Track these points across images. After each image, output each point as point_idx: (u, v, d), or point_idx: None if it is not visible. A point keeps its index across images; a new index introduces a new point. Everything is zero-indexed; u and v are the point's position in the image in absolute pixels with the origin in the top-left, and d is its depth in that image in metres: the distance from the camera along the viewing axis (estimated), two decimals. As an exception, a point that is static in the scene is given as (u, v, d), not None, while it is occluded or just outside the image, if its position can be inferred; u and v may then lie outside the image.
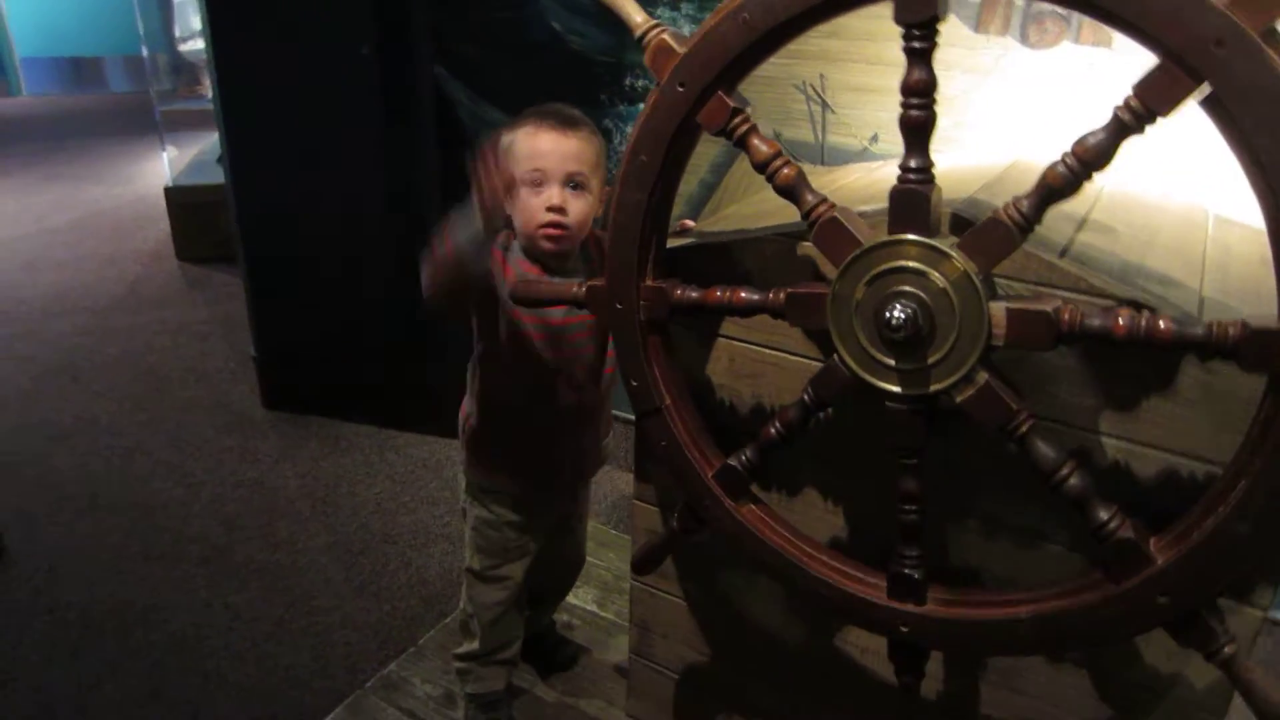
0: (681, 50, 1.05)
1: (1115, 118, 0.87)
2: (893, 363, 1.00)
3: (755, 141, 1.05)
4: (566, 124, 1.48)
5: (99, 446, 3.08)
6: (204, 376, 3.60)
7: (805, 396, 1.08)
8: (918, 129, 0.95)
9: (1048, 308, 0.93)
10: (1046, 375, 1.08)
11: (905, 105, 0.95)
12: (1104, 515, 0.96)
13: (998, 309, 0.95)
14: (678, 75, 1.05)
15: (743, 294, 1.10)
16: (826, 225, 1.03)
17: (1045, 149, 1.43)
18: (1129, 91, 0.86)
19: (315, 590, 2.39)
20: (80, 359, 3.71)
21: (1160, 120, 0.86)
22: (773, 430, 1.11)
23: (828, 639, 1.39)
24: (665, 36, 1.07)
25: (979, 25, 2.08)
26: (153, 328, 4.02)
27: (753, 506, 1.17)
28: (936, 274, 0.96)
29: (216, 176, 5.15)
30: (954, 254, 0.95)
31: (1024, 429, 0.96)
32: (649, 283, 1.15)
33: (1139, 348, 0.90)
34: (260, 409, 3.33)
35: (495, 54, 2.72)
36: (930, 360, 0.98)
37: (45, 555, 2.53)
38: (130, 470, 2.94)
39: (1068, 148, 0.91)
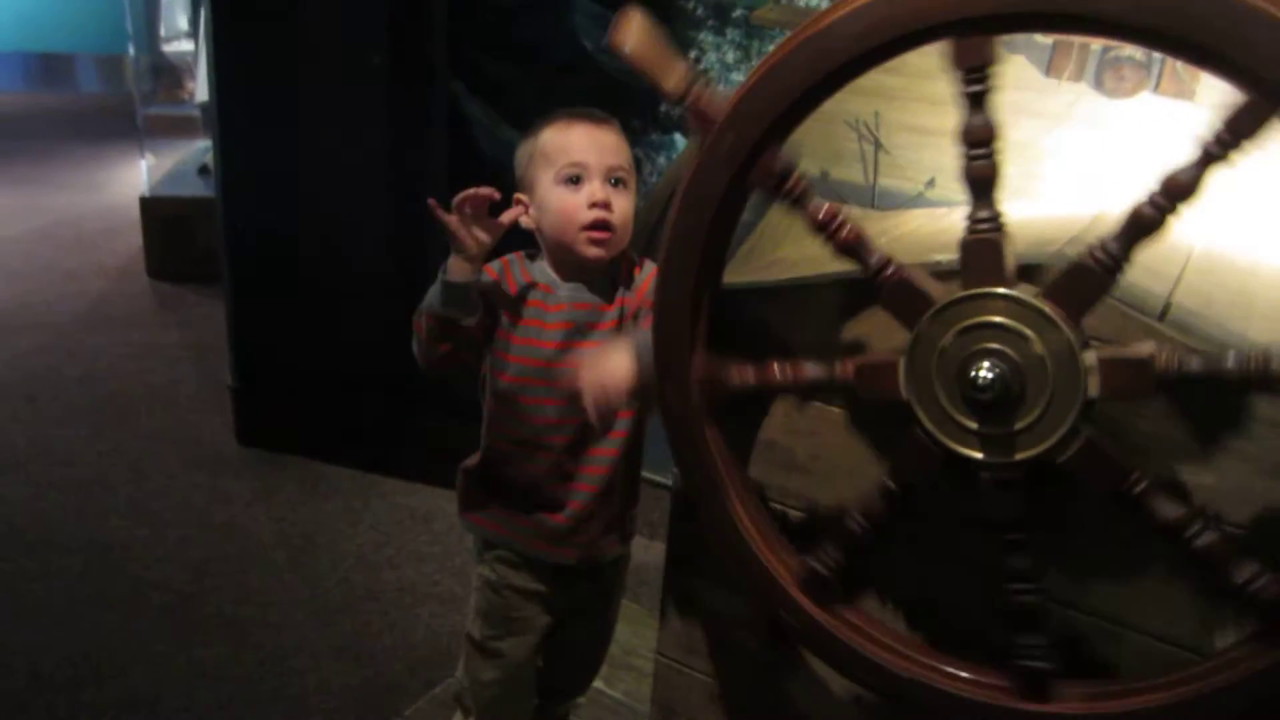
0: (725, 107, 1.06)
1: (1204, 151, 0.90)
2: (978, 426, 1.00)
3: (811, 203, 1.06)
4: (599, 118, 1.49)
5: (54, 477, 3.06)
6: (173, 405, 3.58)
7: (889, 483, 1.07)
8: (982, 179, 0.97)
9: (1144, 353, 0.94)
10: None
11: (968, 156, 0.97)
12: (1247, 573, 0.95)
13: (1089, 358, 0.96)
14: (724, 133, 1.06)
15: (807, 370, 1.10)
16: (895, 287, 1.04)
17: (1122, 201, 1.45)
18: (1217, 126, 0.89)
19: (289, 649, 2.35)
20: (37, 380, 3.70)
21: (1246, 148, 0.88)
22: (855, 526, 1.10)
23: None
24: (707, 97, 1.08)
25: (1050, 69, 2.11)
26: (118, 349, 4.02)
27: (842, 611, 1.15)
28: (1023, 328, 0.97)
29: (196, 189, 5.20)
30: (1041, 305, 0.96)
31: (1140, 488, 0.95)
32: (703, 367, 1.15)
33: (1252, 388, 0.91)
34: (234, 444, 3.31)
35: (520, 72, 2.75)
36: (1021, 423, 0.98)
37: (-11, 595, 2.50)
38: (88, 505, 2.92)
39: (1154, 186, 0.93)
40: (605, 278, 1.52)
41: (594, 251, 1.46)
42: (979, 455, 1.00)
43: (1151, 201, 0.92)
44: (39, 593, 2.52)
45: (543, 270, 1.54)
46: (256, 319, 3.17)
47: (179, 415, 3.51)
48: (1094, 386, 0.95)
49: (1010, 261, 1.00)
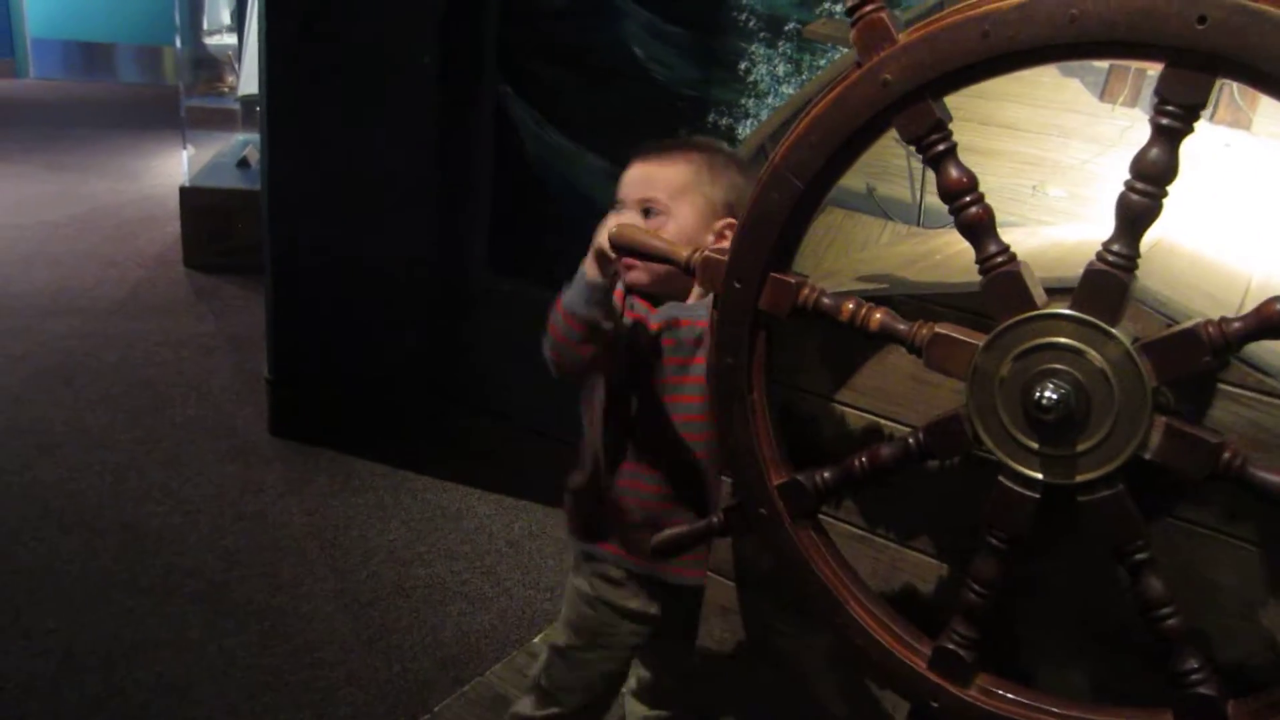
0: (724, 260, 1.14)
1: (1157, 127, 0.91)
2: (1051, 449, 1.00)
3: (832, 305, 1.10)
4: (655, 151, 1.54)
5: (90, 460, 3.09)
6: (207, 395, 3.61)
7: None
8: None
9: (1187, 325, 0.94)
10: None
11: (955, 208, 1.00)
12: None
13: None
14: (731, 278, 1.13)
15: (883, 452, 1.11)
16: (932, 344, 1.05)
17: (1179, 230, 1.44)
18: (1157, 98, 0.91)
19: (319, 641, 2.37)
20: (75, 365, 3.74)
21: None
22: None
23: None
24: (709, 253, 1.17)
25: (1104, 93, 2.10)
26: (154, 337, 4.05)
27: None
28: (1072, 340, 0.97)
29: (234, 181, 5.26)
30: (1082, 315, 0.96)
31: (1238, 460, 0.93)
32: (780, 479, 1.16)
33: None
34: (266, 435, 3.33)
35: (568, 77, 2.77)
36: (1099, 434, 0.97)
37: (26, 575, 2.52)
38: (122, 490, 2.95)
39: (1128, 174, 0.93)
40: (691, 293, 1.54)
41: (627, 278, 1.51)
42: (1068, 480, 1.00)
43: (1133, 189, 0.93)
44: (74, 574, 2.54)
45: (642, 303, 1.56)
46: (295, 312, 3.19)
47: (213, 404, 3.54)
48: (1150, 376, 0.95)
49: (1034, 284, 1.01)
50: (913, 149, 1.03)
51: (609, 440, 1.58)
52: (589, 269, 1.41)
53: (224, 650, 2.31)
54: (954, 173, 0.99)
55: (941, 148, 1.01)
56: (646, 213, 1.50)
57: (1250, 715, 1.01)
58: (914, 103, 0.99)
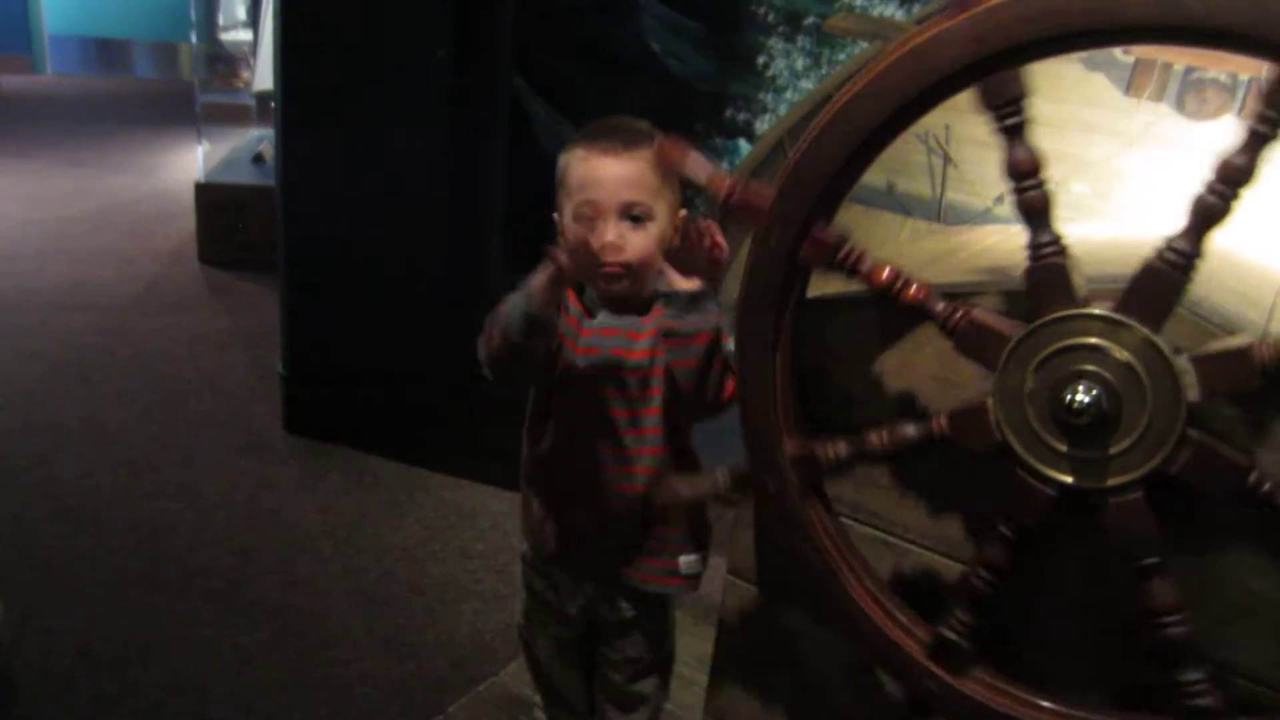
0: (769, 195, 1.08)
1: (1250, 131, 0.89)
2: (1080, 452, 0.98)
3: (870, 268, 1.06)
4: (622, 144, 1.39)
5: (104, 457, 3.09)
6: (222, 391, 3.61)
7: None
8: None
9: (1239, 344, 0.92)
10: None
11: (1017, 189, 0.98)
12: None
13: (1182, 361, 0.94)
14: (773, 223, 1.07)
15: (902, 431, 1.09)
16: (967, 330, 1.02)
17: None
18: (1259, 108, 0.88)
19: (334, 639, 2.36)
20: (90, 360, 3.75)
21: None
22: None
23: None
24: (752, 189, 1.10)
25: (1130, 89, 2.08)
26: (169, 333, 4.06)
27: (980, 675, 1.11)
28: (1109, 344, 0.95)
29: (249, 176, 5.27)
30: (1123, 318, 0.95)
31: (1267, 485, 0.92)
32: (794, 449, 1.14)
33: None
34: (280, 432, 3.33)
35: (583, 71, 2.75)
36: (1125, 441, 0.96)
37: (41, 572, 2.52)
38: (136, 486, 2.95)
39: (1209, 177, 0.91)
40: (639, 304, 1.48)
41: (605, 286, 1.44)
42: (1091, 483, 0.98)
43: (1211, 190, 0.90)
44: (89, 571, 2.55)
45: (590, 296, 1.51)
46: (310, 309, 3.19)
47: (228, 401, 3.54)
48: (1193, 390, 0.93)
49: (1079, 282, 0.99)
50: (935, 148, 1.02)
51: (531, 439, 1.59)
52: (537, 292, 1.36)
53: (238, 648, 2.31)
54: (1023, 151, 0.96)
55: (1016, 121, 0.97)
56: (634, 219, 1.39)
57: None
58: (1004, 66, 0.95)
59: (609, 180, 1.38)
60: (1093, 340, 0.96)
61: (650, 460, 1.52)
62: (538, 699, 1.80)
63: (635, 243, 1.40)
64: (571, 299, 1.50)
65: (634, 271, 1.42)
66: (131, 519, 2.78)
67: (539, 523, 1.61)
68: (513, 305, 1.41)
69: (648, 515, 1.55)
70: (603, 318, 1.49)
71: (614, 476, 1.53)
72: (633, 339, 1.47)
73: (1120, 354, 0.95)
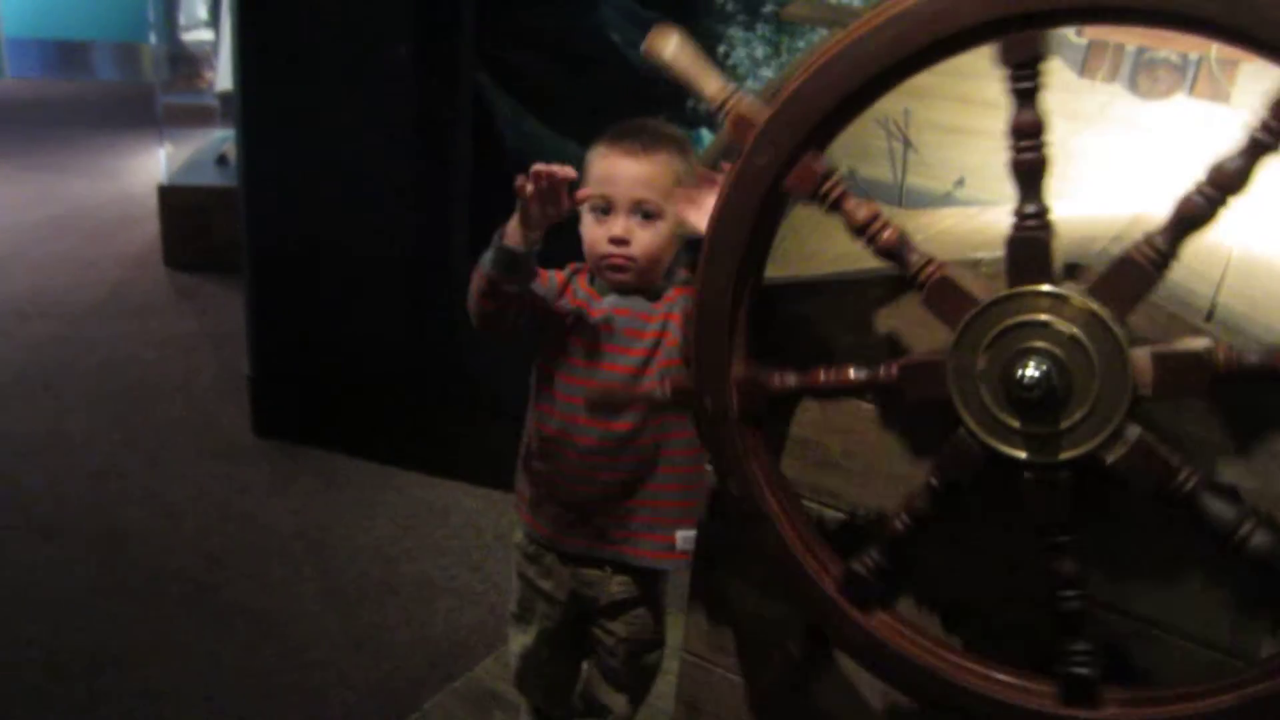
0: (765, 114, 1.05)
1: (1251, 139, 0.89)
2: (1022, 425, 0.99)
3: (850, 205, 1.05)
4: (643, 145, 1.52)
5: (72, 465, 3.07)
6: (190, 395, 3.59)
7: (932, 481, 1.07)
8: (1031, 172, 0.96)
9: (1199, 346, 0.93)
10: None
11: (1015, 148, 0.96)
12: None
13: (1141, 355, 0.95)
14: (762, 142, 1.05)
15: (851, 373, 1.09)
16: (937, 286, 1.03)
17: (1158, 203, 1.44)
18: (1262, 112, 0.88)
19: (308, 642, 2.36)
20: (55, 368, 3.71)
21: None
22: (899, 524, 1.09)
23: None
24: (746, 104, 1.08)
25: (1084, 70, 2.09)
26: (136, 338, 4.03)
27: (884, 616, 1.13)
28: (1068, 325, 0.96)
29: (212, 178, 5.22)
30: (1088, 302, 0.95)
31: (1190, 486, 0.94)
32: (742, 372, 1.14)
33: None
34: (250, 435, 3.32)
35: (545, 64, 2.75)
36: (1067, 422, 0.97)
37: (7, 584, 2.50)
38: (105, 494, 2.93)
39: (1200, 177, 0.91)
40: (649, 293, 1.59)
41: (612, 276, 1.55)
42: (1023, 455, 0.99)
43: (1200, 192, 0.91)
44: (58, 580, 2.53)
45: (600, 285, 1.61)
46: (275, 310, 3.17)
47: (196, 405, 3.52)
48: (1145, 383, 0.94)
49: (1056, 259, 1.00)
50: (895, 132, 1.02)
51: (536, 418, 1.65)
52: (511, 228, 1.46)
53: (212, 652, 2.30)
54: (1031, 114, 0.95)
55: (1032, 84, 0.96)
56: (645, 215, 1.51)
57: (1122, 703, 1.03)
58: (1035, 25, 0.93)
59: (624, 178, 1.51)
60: (1056, 320, 0.97)
61: (653, 431, 1.58)
62: (521, 701, 1.84)
63: (642, 238, 1.52)
64: (581, 284, 1.61)
65: (638, 265, 1.53)
66: (100, 527, 2.76)
67: (536, 505, 1.67)
68: (491, 246, 1.51)
69: (645, 491, 1.62)
70: (612, 299, 1.59)
71: (614, 451, 1.59)
72: (644, 320, 1.58)
73: (1079, 338, 0.95)
